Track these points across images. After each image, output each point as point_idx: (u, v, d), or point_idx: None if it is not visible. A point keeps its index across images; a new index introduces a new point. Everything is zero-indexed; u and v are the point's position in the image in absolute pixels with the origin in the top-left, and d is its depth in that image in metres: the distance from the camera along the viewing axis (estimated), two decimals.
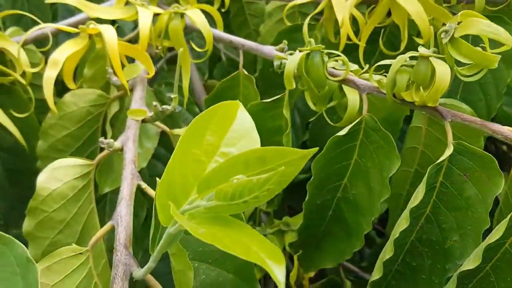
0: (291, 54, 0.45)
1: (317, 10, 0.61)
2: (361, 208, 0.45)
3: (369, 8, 0.59)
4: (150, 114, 0.43)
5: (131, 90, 0.48)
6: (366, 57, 0.56)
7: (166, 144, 0.60)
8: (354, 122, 0.41)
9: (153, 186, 0.54)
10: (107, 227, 0.33)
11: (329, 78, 0.43)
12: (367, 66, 0.47)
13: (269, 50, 0.50)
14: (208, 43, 0.49)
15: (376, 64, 0.41)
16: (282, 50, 0.50)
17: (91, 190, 0.40)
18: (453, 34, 0.34)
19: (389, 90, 0.39)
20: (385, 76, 0.41)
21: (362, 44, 0.53)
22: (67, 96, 0.47)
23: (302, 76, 0.43)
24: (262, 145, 0.50)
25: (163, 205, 0.26)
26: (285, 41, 0.50)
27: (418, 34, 0.60)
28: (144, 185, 0.36)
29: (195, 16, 0.49)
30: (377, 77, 0.42)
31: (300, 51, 0.43)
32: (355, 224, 0.46)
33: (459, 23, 0.34)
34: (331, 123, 0.47)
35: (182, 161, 0.27)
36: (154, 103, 0.42)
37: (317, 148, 0.26)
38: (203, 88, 0.80)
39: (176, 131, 0.44)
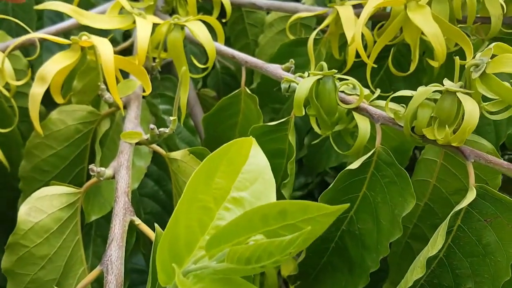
0: (300, 76, 0.42)
1: (323, 25, 0.58)
2: (367, 244, 0.42)
3: (377, 24, 0.57)
4: (145, 137, 0.39)
5: (125, 107, 0.44)
6: (372, 75, 0.54)
7: (157, 161, 0.56)
8: (366, 156, 0.38)
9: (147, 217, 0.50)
10: (95, 272, 0.29)
11: (340, 105, 0.40)
12: (378, 90, 0.44)
13: (275, 69, 0.47)
14: (211, 60, 0.46)
15: (394, 95, 0.38)
16: (288, 70, 0.47)
17: (77, 220, 0.37)
18: (484, 70, 0.31)
19: (408, 125, 0.36)
20: (403, 107, 0.38)
21: (370, 63, 0.50)
22: (54, 114, 0.43)
23: (311, 101, 0.40)
24: None
25: (164, 263, 0.23)
26: (292, 60, 0.47)
27: (423, 53, 0.58)
28: (138, 221, 0.33)
29: (198, 30, 0.45)
30: (392, 105, 0.39)
31: (311, 74, 0.39)
32: (359, 259, 0.43)
33: (492, 56, 0.31)
34: (340, 151, 0.44)
35: (188, 209, 0.24)
36: (151, 125, 0.38)
37: (347, 205, 0.23)
38: (197, 97, 0.77)
39: (173, 154, 0.41)
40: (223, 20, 0.64)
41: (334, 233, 0.44)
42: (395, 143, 0.45)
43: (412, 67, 0.50)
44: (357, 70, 0.60)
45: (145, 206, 0.56)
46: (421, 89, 0.35)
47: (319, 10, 0.63)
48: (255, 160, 0.26)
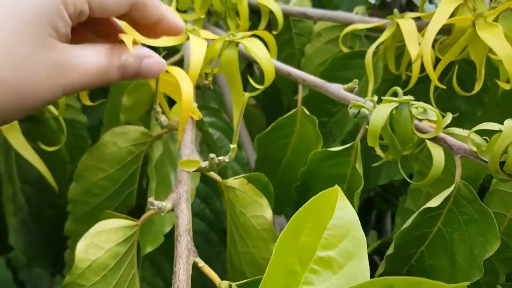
0: (371, 101, 0.38)
1: (382, 39, 0.55)
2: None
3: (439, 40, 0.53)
4: (203, 164, 0.37)
5: (177, 128, 0.42)
6: (424, 94, 0.50)
7: (204, 179, 0.54)
8: (447, 194, 0.35)
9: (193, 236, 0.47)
10: None
11: (417, 134, 0.36)
12: (449, 115, 0.41)
13: (336, 89, 0.44)
14: (268, 80, 0.43)
15: (478, 128, 0.35)
16: (352, 90, 0.44)
17: (133, 254, 0.35)
18: None
19: (496, 162, 0.32)
20: (486, 140, 0.35)
21: (435, 81, 0.46)
22: (107, 136, 0.41)
23: (383, 130, 0.37)
24: (313, 193, 0.44)
25: None
26: (355, 81, 0.44)
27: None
28: (201, 263, 0.30)
29: (255, 48, 0.43)
30: (475, 138, 0.35)
31: (385, 101, 0.36)
32: None
33: None
34: (412, 181, 0.41)
35: (274, 275, 0.21)
36: (211, 155, 0.36)
37: (468, 283, 0.20)
38: None
39: (229, 182, 0.38)
40: (274, 32, 0.61)
41: (401, 270, 0.41)
42: (467, 172, 0.41)
43: (477, 86, 0.46)
44: (415, 86, 0.57)
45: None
46: (509, 123, 0.32)
47: (375, 22, 0.59)
48: (342, 213, 0.23)
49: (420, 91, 0.62)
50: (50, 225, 0.52)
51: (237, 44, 0.44)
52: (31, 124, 0.46)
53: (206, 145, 0.56)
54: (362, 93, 0.63)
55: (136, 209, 0.45)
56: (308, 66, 0.71)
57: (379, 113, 0.35)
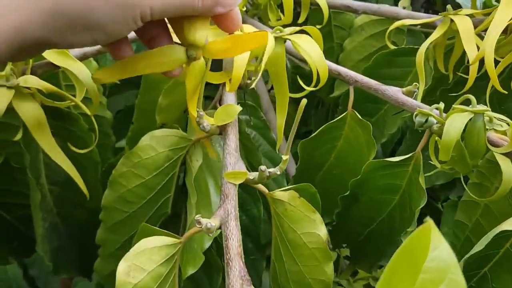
0: (437, 109, 0.35)
1: (433, 37, 0.51)
2: None
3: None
4: (251, 176, 0.34)
5: (220, 133, 0.39)
6: (476, 94, 0.46)
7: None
8: None
9: None
10: None
11: (490, 148, 0.33)
12: None
13: (394, 93, 0.40)
14: (322, 80, 0.39)
15: None
16: (411, 95, 0.40)
17: (175, 274, 0.32)
18: None
19: None
20: None
21: (497, 86, 0.42)
22: (145, 140, 0.38)
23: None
24: (364, 205, 0.40)
25: None
26: (415, 84, 0.40)
27: None
28: None
29: (307, 46, 0.39)
30: None
31: (457, 110, 0.32)
32: None
33: None
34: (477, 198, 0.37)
35: None
36: (262, 167, 0.33)
37: None
38: (270, 101, 0.71)
39: (278, 195, 0.35)
40: (318, 26, 0.57)
41: None
42: None
43: None
44: (462, 87, 0.53)
45: None
46: None
47: (424, 17, 0.55)
48: (438, 254, 0.20)
49: (470, 92, 0.58)
50: (79, 228, 0.49)
51: (284, 40, 0.41)
52: (60, 123, 0.43)
53: (242, 145, 0.53)
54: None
55: (171, 218, 0.42)
56: (347, 62, 0.67)
57: (453, 125, 0.31)
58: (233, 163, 0.35)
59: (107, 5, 0.26)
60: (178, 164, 0.40)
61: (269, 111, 0.68)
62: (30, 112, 0.37)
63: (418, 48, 0.54)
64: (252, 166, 0.52)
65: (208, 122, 0.37)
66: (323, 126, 0.44)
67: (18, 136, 0.40)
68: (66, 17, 0.26)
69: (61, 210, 0.47)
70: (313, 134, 0.45)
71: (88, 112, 0.40)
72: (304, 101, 0.31)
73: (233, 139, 0.37)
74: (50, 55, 0.39)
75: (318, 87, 0.40)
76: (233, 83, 0.37)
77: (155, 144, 0.38)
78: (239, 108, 0.38)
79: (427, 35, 0.69)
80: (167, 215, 0.41)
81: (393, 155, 0.65)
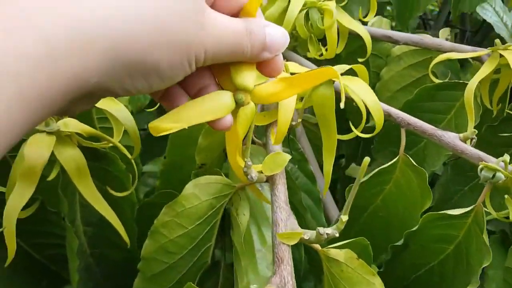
0: (503, 161, 0.32)
1: (483, 74, 0.48)
2: None
3: None
4: (306, 236, 0.31)
5: (266, 180, 0.37)
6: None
7: None
8: None
9: None
10: None
11: None
12: None
13: (452, 139, 0.38)
14: (378, 127, 0.37)
15: None
16: (470, 141, 0.37)
17: None
18: None
19: None
20: None
21: None
22: (189, 188, 0.36)
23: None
24: (414, 252, 0.38)
25: None
26: (474, 130, 0.38)
27: None
28: None
29: (359, 90, 0.37)
30: None
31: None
32: None
33: None
34: None
35: None
36: (321, 229, 0.30)
37: None
38: (302, 126, 0.68)
39: (333, 253, 0.33)
40: (360, 60, 0.55)
41: None
42: None
43: None
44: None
45: None
46: None
47: (468, 50, 0.53)
48: None
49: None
50: (115, 267, 0.47)
51: (333, 82, 0.39)
52: (97, 163, 0.41)
53: None
54: (450, 126, 0.57)
55: (211, 267, 0.40)
56: (384, 91, 0.65)
57: None
58: (285, 218, 0.33)
59: (165, 45, 0.25)
60: (220, 212, 0.38)
61: (301, 136, 0.66)
62: (71, 157, 0.35)
63: (463, 83, 0.52)
64: (291, 204, 0.50)
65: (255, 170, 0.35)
66: (372, 173, 0.42)
67: (53, 175, 0.38)
68: (124, 60, 0.24)
69: (95, 250, 0.46)
70: (362, 180, 0.42)
71: (129, 155, 0.38)
72: (367, 160, 0.29)
73: (282, 190, 0.35)
74: None
75: (373, 134, 0.38)
76: (279, 135, 0.35)
77: (199, 192, 0.36)
78: (288, 157, 0.35)
79: (461, 62, 0.67)
80: (207, 266, 0.39)
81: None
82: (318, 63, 0.50)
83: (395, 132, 0.52)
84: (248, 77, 0.30)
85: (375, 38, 0.57)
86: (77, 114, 0.41)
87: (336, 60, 0.61)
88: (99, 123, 0.48)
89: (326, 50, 0.50)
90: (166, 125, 0.27)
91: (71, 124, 0.36)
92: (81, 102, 0.25)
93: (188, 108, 0.29)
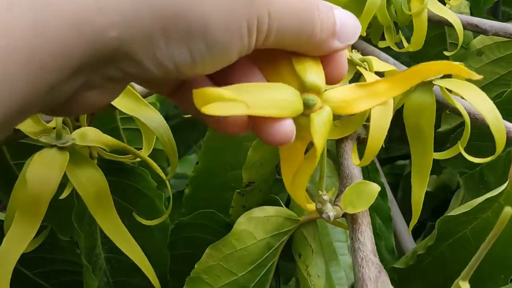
0: None
1: None
2: None
3: None
4: None
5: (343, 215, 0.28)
6: None
7: None
8: None
9: None
10: None
11: None
12: None
13: None
14: (499, 147, 0.28)
15: None
16: None
17: None
18: None
19: None
20: None
21: None
22: (242, 223, 0.28)
23: None
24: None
25: None
26: None
27: None
28: None
29: (477, 101, 0.27)
30: None
31: None
32: None
33: None
34: None
35: None
36: None
37: None
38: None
39: None
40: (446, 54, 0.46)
41: None
42: None
43: None
44: None
45: None
46: None
47: None
48: None
49: None
50: None
51: (433, 85, 0.29)
52: (122, 180, 0.33)
53: None
54: None
55: None
56: None
57: None
58: (374, 277, 0.24)
59: None
60: (278, 253, 0.29)
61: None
62: (89, 181, 0.26)
63: None
64: None
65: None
66: (474, 206, 0.32)
67: (65, 193, 0.30)
68: (158, 9, 0.17)
69: (117, 279, 0.38)
70: (457, 213, 0.33)
71: (163, 175, 0.30)
72: (508, 212, 0.20)
73: (367, 234, 0.26)
74: None
75: (492, 158, 0.29)
76: (369, 155, 0.26)
77: (254, 229, 0.28)
78: (378, 188, 0.26)
79: None
80: None
81: None
82: (395, 56, 0.40)
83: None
84: (318, 74, 0.22)
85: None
86: (96, 114, 0.33)
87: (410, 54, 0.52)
88: (122, 123, 0.40)
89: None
90: (223, 91, 0.18)
91: (90, 135, 0.28)
92: (96, 76, 0.18)
93: (253, 88, 0.20)
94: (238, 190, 0.35)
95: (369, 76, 0.27)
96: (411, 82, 0.23)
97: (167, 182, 0.30)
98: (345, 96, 0.23)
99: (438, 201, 0.64)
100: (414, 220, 0.32)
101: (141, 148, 0.33)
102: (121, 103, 0.29)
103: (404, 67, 0.35)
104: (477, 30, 0.47)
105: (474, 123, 0.34)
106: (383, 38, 0.42)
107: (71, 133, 0.27)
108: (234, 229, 0.27)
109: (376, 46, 0.43)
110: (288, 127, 0.21)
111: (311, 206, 0.26)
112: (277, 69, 0.22)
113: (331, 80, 0.23)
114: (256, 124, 0.21)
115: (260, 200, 0.36)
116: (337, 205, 0.28)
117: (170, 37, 0.17)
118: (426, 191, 0.63)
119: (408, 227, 0.56)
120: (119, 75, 0.18)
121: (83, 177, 0.26)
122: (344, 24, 0.22)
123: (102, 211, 0.27)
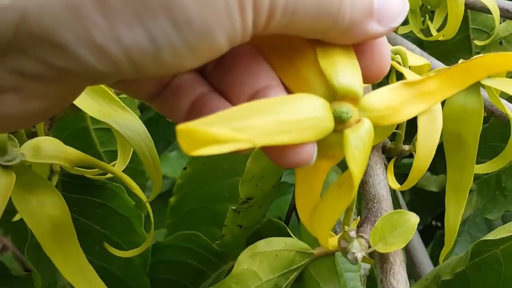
0: None
1: None
2: None
3: None
4: None
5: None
6: None
7: None
8: None
9: None
10: None
11: None
12: None
13: None
14: None
15: None
16: None
17: None
18: None
19: None
20: None
21: None
22: (244, 261, 0.22)
23: None
24: None
25: None
26: None
27: None
28: None
29: None
30: None
31: None
32: None
33: None
34: None
35: None
36: None
37: None
38: None
39: None
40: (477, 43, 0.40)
41: None
42: None
43: None
44: None
45: None
46: None
47: None
48: None
49: None
50: None
51: (481, 86, 0.24)
52: (91, 198, 0.27)
53: None
54: None
55: None
56: None
57: None
58: None
59: None
60: None
61: None
62: (43, 211, 0.20)
63: None
64: None
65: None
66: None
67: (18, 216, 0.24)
68: None
69: None
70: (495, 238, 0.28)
71: (142, 196, 0.24)
72: None
73: (402, 279, 0.20)
74: None
75: None
76: (416, 174, 0.20)
77: (258, 268, 0.22)
78: (417, 220, 0.21)
79: None
80: None
81: None
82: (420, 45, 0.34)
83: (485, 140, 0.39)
84: (353, 74, 0.16)
85: (482, 11, 0.41)
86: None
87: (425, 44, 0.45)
88: (93, 123, 0.33)
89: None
90: (218, 132, 0.13)
91: (45, 149, 0.21)
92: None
93: (259, 109, 0.14)
94: (233, 207, 0.29)
95: (408, 74, 0.21)
96: (470, 79, 0.18)
97: (148, 205, 0.24)
98: (390, 100, 0.17)
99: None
100: (446, 249, 0.27)
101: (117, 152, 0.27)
102: (88, 103, 0.23)
103: (436, 60, 0.29)
104: (507, 16, 0.41)
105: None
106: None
107: (21, 145, 0.21)
108: (234, 270, 0.21)
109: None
110: (308, 151, 0.15)
111: (333, 242, 0.21)
112: (294, 66, 0.16)
113: (368, 79, 0.17)
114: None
115: (260, 218, 0.30)
116: (361, 236, 0.22)
117: (112, 9, 0.11)
118: (432, 191, 0.57)
119: (420, 235, 0.51)
120: (39, 70, 0.12)
121: (35, 205, 0.20)
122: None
123: (60, 248, 0.21)
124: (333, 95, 0.16)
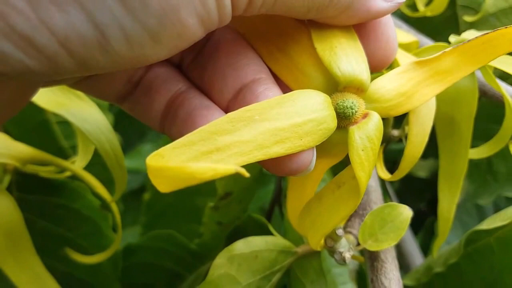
0: None
1: None
2: None
3: None
4: None
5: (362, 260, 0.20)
6: None
7: None
8: None
9: None
10: None
11: None
12: None
13: None
14: None
15: None
16: None
17: None
18: None
19: None
20: None
21: None
22: (220, 264, 0.19)
23: None
24: None
25: None
26: None
27: None
28: None
29: None
30: None
31: None
32: None
33: None
34: None
35: None
36: None
37: None
38: None
39: None
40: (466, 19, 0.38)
41: None
42: None
43: None
44: None
45: None
46: None
47: None
48: None
49: None
50: None
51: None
52: (51, 198, 0.24)
53: None
54: None
55: None
56: None
57: None
58: None
59: None
60: None
61: None
62: None
63: None
64: None
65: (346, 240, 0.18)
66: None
67: None
68: None
69: None
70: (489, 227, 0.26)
71: (107, 196, 0.21)
72: None
73: (394, 278, 0.18)
74: None
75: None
76: (407, 164, 0.18)
77: (237, 271, 0.20)
78: (411, 213, 0.19)
79: None
80: None
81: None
82: (408, 22, 0.32)
83: (477, 122, 0.37)
84: (356, 59, 0.14)
85: None
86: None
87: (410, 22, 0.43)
88: (55, 115, 0.31)
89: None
90: (195, 167, 0.10)
91: None
92: None
93: (247, 118, 0.12)
94: (211, 204, 0.27)
95: (402, 56, 0.19)
96: (492, 54, 0.16)
97: (114, 205, 0.22)
98: (401, 86, 0.14)
99: (435, 189, 0.58)
100: (440, 241, 0.25)
101: None
102: (40, 92, 0.20)
103: (425, 38, 0.27)
104: None
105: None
106: None
107: None
108: (209, 276, 0.19)
109: None
110: (306, 158, 0.13)
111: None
112: (286, 54, 0.14)
113: (372, 66, 0.14)
114: None
115: (240, 213, 0.28)
116: (349, 232, 0.20)
117: None
118: (421, 177, 0.55)
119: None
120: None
121: None
122: None
123: (13, 256, 0.18)
124: (334, 85, 0.14)
